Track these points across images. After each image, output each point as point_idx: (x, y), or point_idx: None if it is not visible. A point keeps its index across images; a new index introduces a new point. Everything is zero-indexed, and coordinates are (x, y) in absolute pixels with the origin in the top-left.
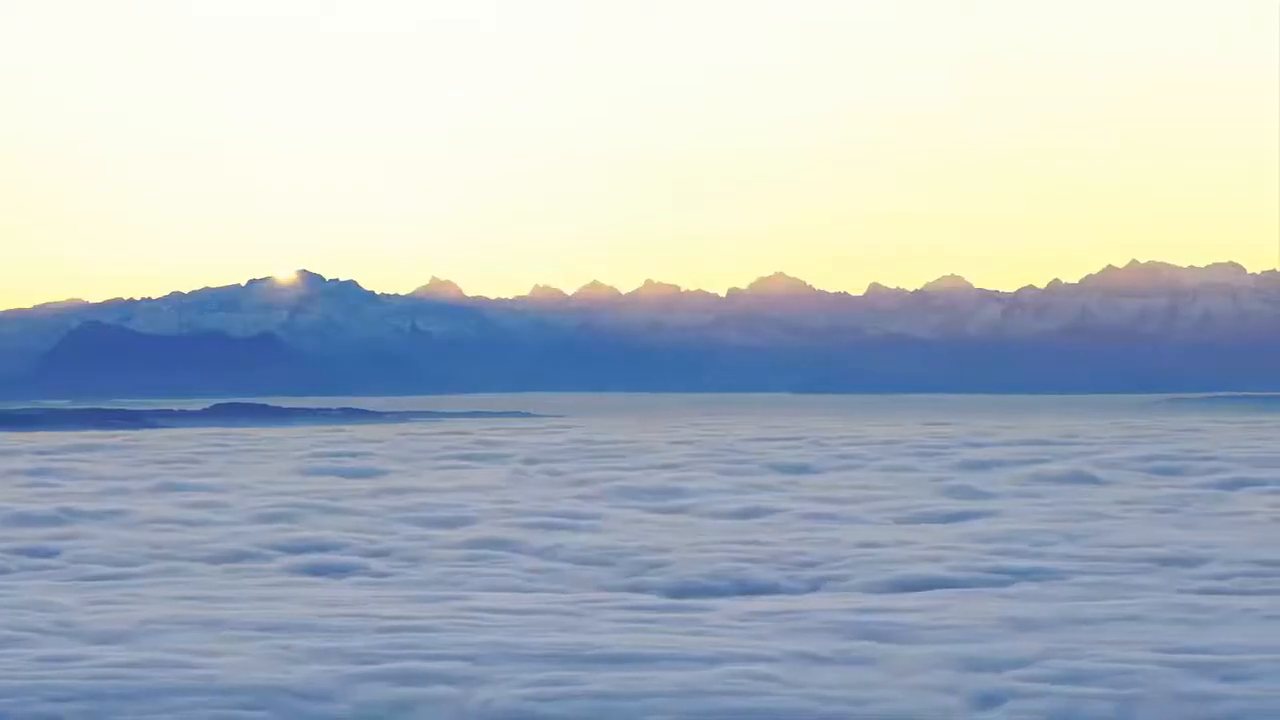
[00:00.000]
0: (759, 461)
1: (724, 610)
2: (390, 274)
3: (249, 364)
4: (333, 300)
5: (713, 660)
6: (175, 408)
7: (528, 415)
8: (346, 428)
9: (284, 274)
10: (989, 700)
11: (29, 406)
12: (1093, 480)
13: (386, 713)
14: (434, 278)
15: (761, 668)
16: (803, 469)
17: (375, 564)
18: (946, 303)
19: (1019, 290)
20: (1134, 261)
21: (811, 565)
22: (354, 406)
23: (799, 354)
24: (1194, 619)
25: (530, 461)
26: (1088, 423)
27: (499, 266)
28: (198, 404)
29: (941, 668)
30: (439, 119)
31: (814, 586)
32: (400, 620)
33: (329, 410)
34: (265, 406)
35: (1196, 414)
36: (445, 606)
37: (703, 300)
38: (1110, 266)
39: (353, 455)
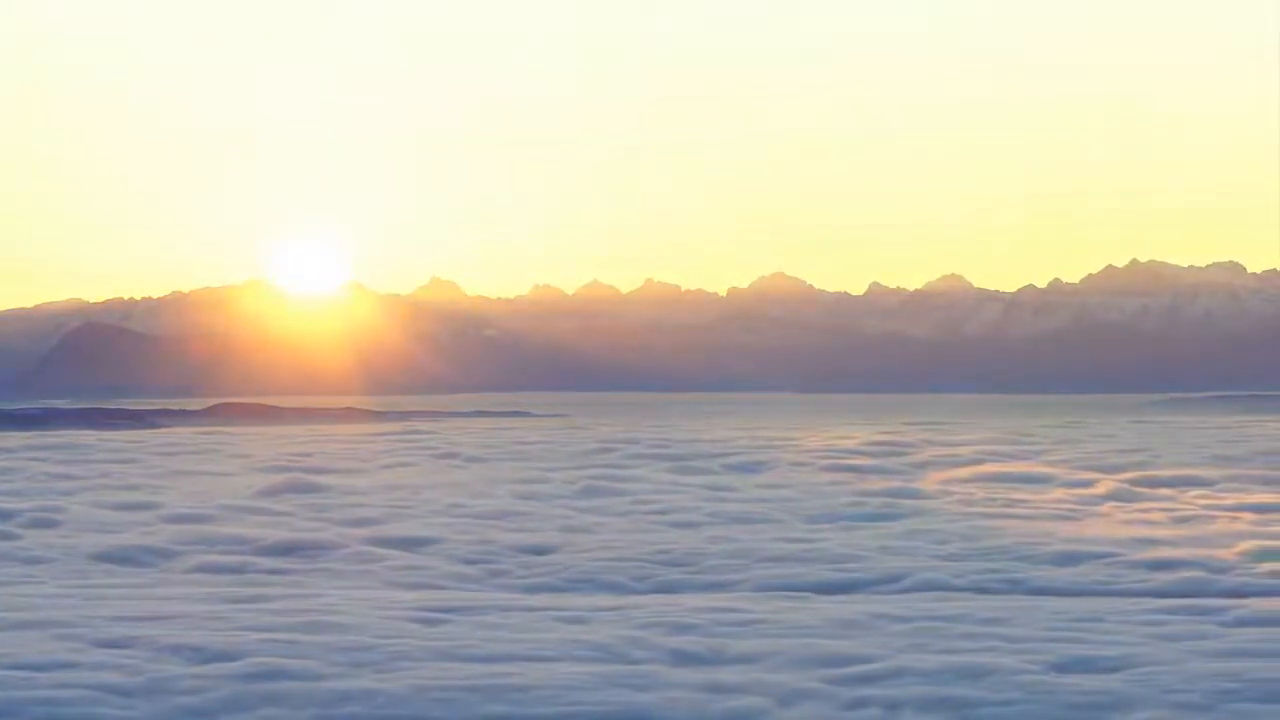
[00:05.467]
0: (716, 461)
1: (574, 608)
2: (390, 274)
3: (249, 364)
4: (333, 300)
5: (526, 659)
6: (175, 407)
7: (527, 415)
8: (328, 427)
9: (284, 274)
10: (791, 698)
11: (29, 406)
12: (1029, 480)
13: (215, 711)
14: (434, 278)
15: (576, 667)
16: (753, 469)
17: (265, 562)
18: (946, 303)
19: (1019, 290)
20: (1134, 261)
21: (686, 565)
22: (355, 406)
23: (799, 354)
24: (1033, 620)
25: (475, 460)
26: (1067, 421)
27: (499, 266)
28: (197, 404)
29: (755, 669)
30: (440, 119)
31: (677, 587)
32: (253, 621)
33: (329, 410)
34: (265, 406)
35: (1192, 413)
36: (308, 603)
37: (703, 300)
38: (1110, 266)
39: (307, 455)
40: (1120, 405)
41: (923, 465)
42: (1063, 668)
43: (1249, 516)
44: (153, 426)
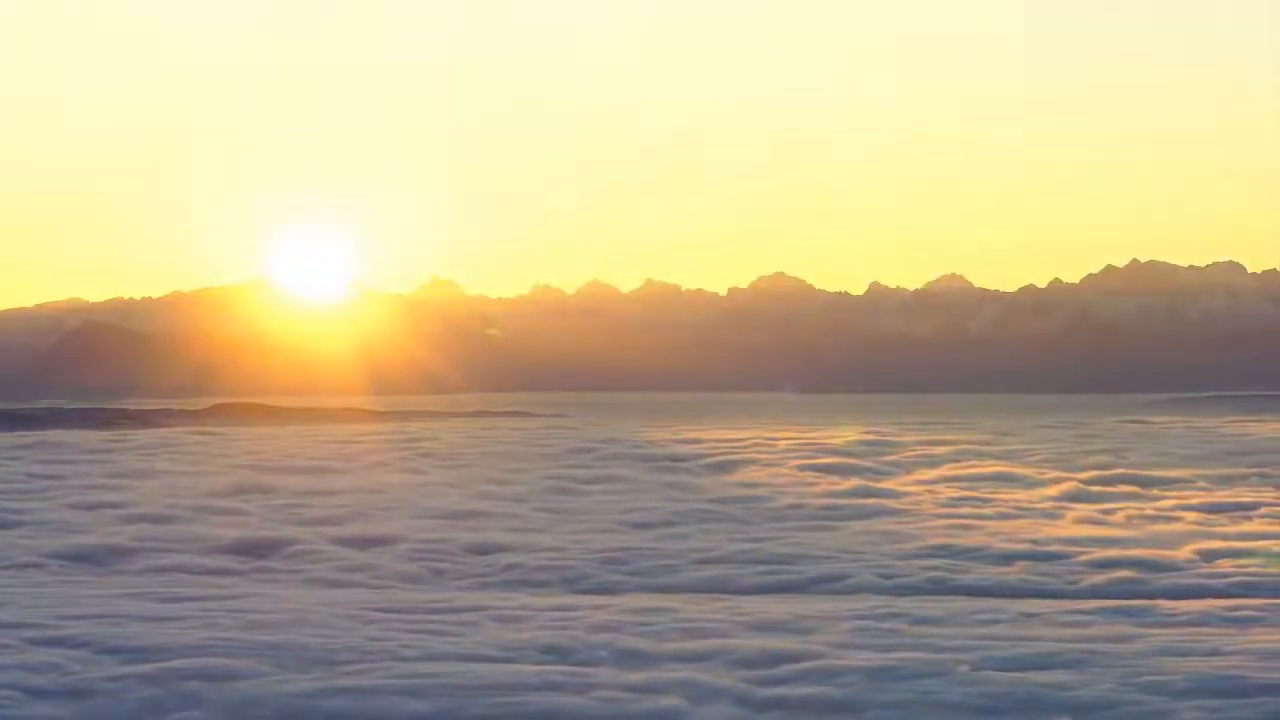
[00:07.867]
0: (694, 462)
1: (511, 608)
2: (391, 274)
3: (250, 364)
4: (334, 299)
5: (457, 658)
6: (175, 407)
7: (528, 415)
8: (319, 427)
9: (284, 273)
10: (705, 698)
11: (28, 406)
12: (996, 479)
13: (138, 713)
14: (434, 277)
15: (506, 667)
16: (727, 469)
17: (219, 562)
18: (946, 303)
19: (1019, 290)
20: (1134, 261)
21: (630, 565)
22: (356, 406)
23: (799, 354)
24: (964, 621)
25: (451, 459)
26: (1056, 421)
27: (499, 266)
28: (197, 404)
29: (682, 669)
30: (439, 119)
31: (617, 587)
32: (195, 619)
33: (328, 410)
34: (264, 406)
35: (1190, 413)
36: (250, 603)
37: (703, 300)
38: (1110, 266)
39: (287, 455)
40: (1120, 405)
41: (896, 465)
42: (977, 668)
43: (1205, 516)
44: (151, 426)
